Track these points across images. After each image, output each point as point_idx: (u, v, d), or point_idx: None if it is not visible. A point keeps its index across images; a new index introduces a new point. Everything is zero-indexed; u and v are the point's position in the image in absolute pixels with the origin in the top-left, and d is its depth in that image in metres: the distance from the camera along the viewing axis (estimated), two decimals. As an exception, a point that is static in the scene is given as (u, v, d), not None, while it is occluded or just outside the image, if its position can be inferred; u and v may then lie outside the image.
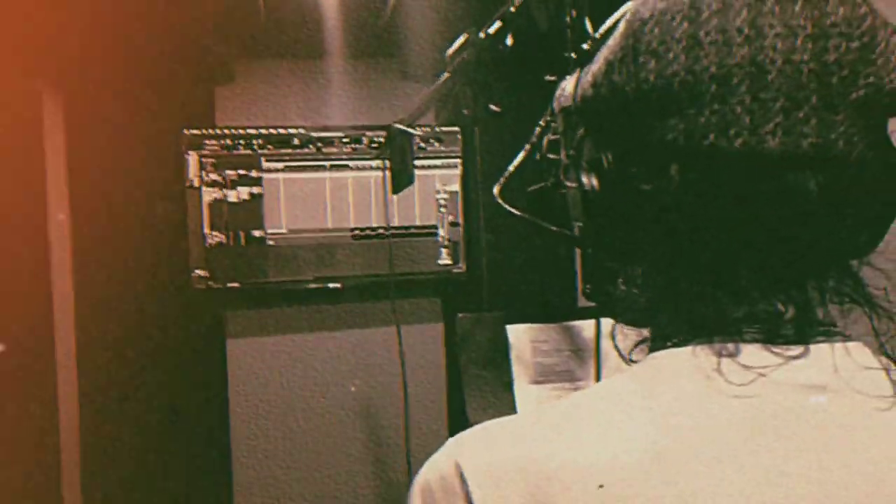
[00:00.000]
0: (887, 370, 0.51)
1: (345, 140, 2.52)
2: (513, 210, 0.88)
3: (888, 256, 0.56)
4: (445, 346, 2.66)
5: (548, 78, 0.96)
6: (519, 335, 1.12)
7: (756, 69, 0.48)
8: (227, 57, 2.46)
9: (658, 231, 0.54)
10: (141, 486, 2.37)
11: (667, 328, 0.55)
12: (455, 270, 2.59)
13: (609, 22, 0.60)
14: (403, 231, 2.56)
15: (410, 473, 2.21)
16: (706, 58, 0.49)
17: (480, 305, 2.47)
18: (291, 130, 2.49)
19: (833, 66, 0.48)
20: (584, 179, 0.58)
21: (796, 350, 0.51)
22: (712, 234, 0.52)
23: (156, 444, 2.38)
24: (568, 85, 0.62)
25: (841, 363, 0.51)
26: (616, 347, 0.63)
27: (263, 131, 2.47)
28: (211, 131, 2.44)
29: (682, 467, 0.47)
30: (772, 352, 0.51)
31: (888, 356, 0.53)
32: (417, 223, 2.56)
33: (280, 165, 2.49)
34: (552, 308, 2.55)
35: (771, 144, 0.48)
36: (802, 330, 0.52)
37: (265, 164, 2.48)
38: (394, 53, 2.53)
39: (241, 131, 2.46)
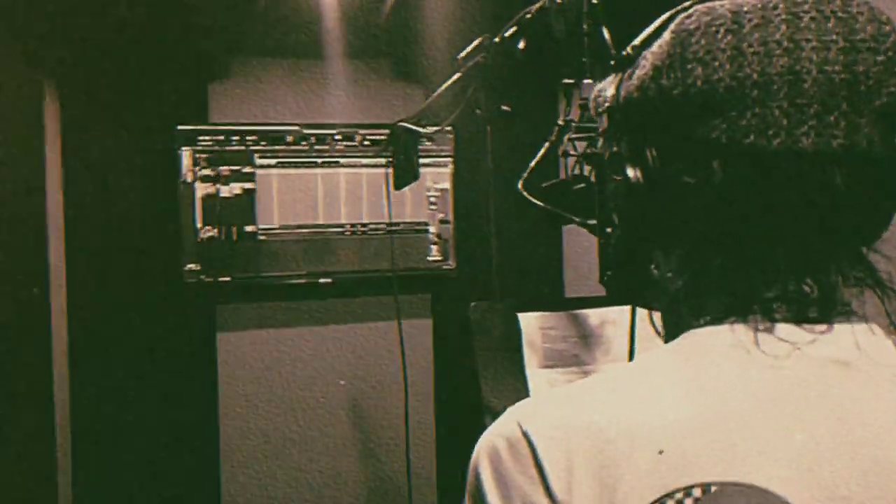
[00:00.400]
0: None
1: (337, 138, 2.58)
2: (538, 203, 0.96)
3: (892, 244, 0.65)
4: (434, 341, 2.73)
5: (565, 81, 1.05)
6: (529, 322, 1.21)
7: (793, 77, 0.57)
8: (222, 53, 2.51)
9: (699, 219, 0.62)
10: (131, 480, 2.41)
11: (703, 309, 0.63)
12: (445, 267, 2.67)
13: (648, 31, 0.68)
14: (395, 228, 2.63)
15: (409, 467, 2.28)
16: (748, 66, 0.57)
17: (471, 299, 2.55)
18: (285, 127, 2.55)
19: (861, 77, 0.56)
20: (630, 173, 0.65)
21: (823, 329, 0.59)
22: (749, 222, 0.60)
23: (146, 436, 2.42)
24: (608, 87, 0.70)
25: (862, 340, 0.59)
26: (653, 325, 0.71)
27: (257, 128, 2.53)
28: (204, 127, 2.49)
29: (728, 432, 0.55)
30: (803, 329, 0.59)
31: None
32: (408, 220, 2.64)
33: (273, 162, 2.54)
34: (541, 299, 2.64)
35: (804, 144, 0.56)
36: (826, 310, 0.60)
37: (258, 161, 2.53)
38: (389, 53, 2.61)
39: (234, 127, 2.51)
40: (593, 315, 1.23)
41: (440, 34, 2.50)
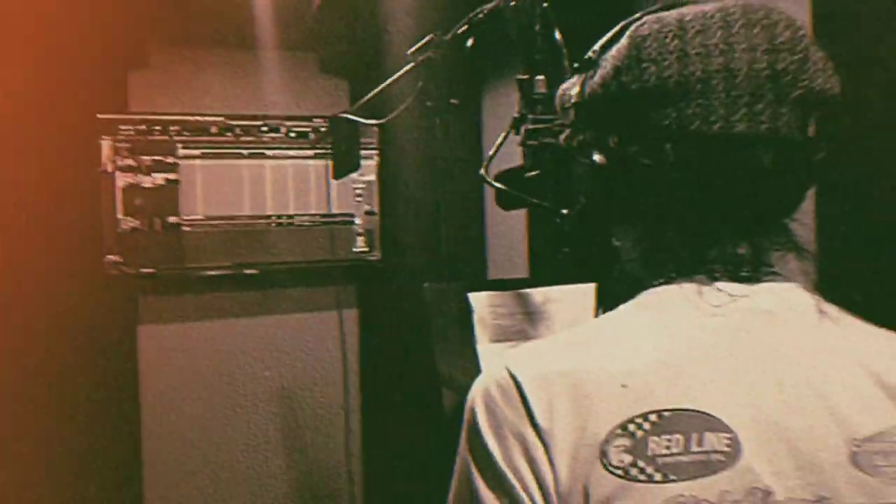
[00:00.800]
0: (815, 299, 0.75)
1: (263, 129, 2.61)
2: (500, 186, 1.07)
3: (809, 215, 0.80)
4: (360, 331, 2.80)
5: (519, 77, 1.16)
6: (479, 301, 1.32)
7: (728, 74, 0.70)
8: (144, 41, 2.49)
9: (654, 195, 0.75)
10: (51, 475, 2.36)
11: (656, 272, 0.76)
12: (370, 258, 2.75)
13: (607, 37, 0.80)
14: (320, 219, 2.69)
15: (349, 455, 2.33)
16: (692, 65, 0.70)
17: (396, 291, 2.64)
18: (210, 118, 2.56)
19: (781, 73, 0.70)
20: (596, 157, 0.77)
21: (753, 284, 0.73)
22: (695, 195, 0.73)
23: (66, 432, 2.38)
24: (573, 86, 0.82)
25: (784, 294, 0.73)
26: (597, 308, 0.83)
27: (181, 118, 2.53)
28: (126, 116, 2.47)
29: (681, 369, 0.67)
30: (738, 285, 0.73)
31: (814, 289, 0.76)
32: (335, 211, 2.70)
33: (197, 152, 2.55)
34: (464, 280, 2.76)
35: (738, 128, 0.69)
36: (756, 270, 0.74)
37: (182, 151, 2.53)
38: (316, 47, 2.66)
39: (157, 117, 2.50)
40: (537, 293, 1.36)
41: (368, 29, 2.57)
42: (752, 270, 0.73)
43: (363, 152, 2.70)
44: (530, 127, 1.09)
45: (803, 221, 0.78)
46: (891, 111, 1.42)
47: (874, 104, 1.42)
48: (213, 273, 2.58)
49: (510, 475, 0.66)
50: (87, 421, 2.40)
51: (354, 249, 2.74)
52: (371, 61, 2.58)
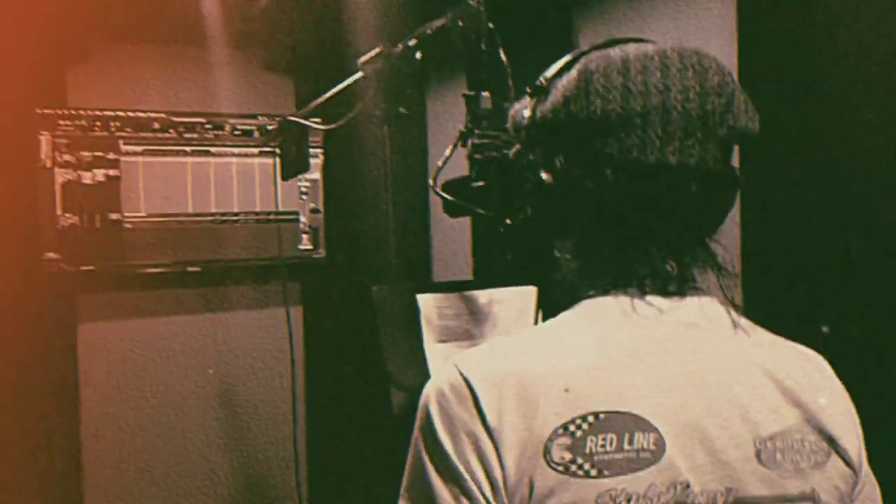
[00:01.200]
0: (729, 312, 0.85)
1: (207, 126, 2.63)
2: (447, 197, 1.15)
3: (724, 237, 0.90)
4: (304, 329, 2.85)
5: (465, 93, 1.24)
6: (426, 302, 1.39)
7: (665, 111, 0.79)
8: (82, 36, 2.48)
9: (593, 214, 0.84)
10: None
11: (593, 284, 0.85)
12: (315, 256, 2.80)
13: (558, 66, 0.88)
14: (264, 217, 2.72)
15: (297, 454, 2.36)
16: (634, 101, 0.79)
17: (341, 289, 2.70)
18: (152, 114, 2.56)
19: (710, 113, 0.80)
20: (543, 176, 0.86)
21: (679, 299, 0.83)
22: (630, 216, 0.82)
23: (4, 431, 2.36)
24: (525, 109, 0.90)
25: (705, 308, 0.84)
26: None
27: (122, 114, 2.52)
28: (65, 112, 2.46)
29: (616, 374, 0.76)
30: (665, 299, 0.82)
31: (730, 303, 0.86)
32: (279, 209, 2.73)
33: (139, 149, 2.55)
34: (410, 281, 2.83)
35: (672, 160, 0.79)
36: (682, 285, 0.83)
37: (123, 147, 2.53)
38: (262, 45, 2.68)
39: (97, 113, 2.50)
40: (482, 295, 1.44)
41: (314, 28, 2.61)
42: (678, 286, 0.83)
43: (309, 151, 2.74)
44: (476, 141, 1.17)
45: (723, 243, 0.89)
46: (807, 144, 1.56)
47: (794, 138, 1.57)
48: (155, 270, 2.59)
49: (462, 469, 0.74)
50: (26, 420, 2.39)
51: (299, 247, 2.78)
52: (317, 60, 2.62)
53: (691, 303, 0.83)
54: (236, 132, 2.66)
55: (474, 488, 0.74)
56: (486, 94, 1.21)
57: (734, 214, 1.71)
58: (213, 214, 2.65)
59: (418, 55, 1.37)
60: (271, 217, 2.72)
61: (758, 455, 0.78)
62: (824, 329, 1.46)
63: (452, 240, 2.71)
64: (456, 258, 2.70)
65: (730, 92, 0.82)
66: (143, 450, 2.60)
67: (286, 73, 2.74)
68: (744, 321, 0.85)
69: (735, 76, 0.84)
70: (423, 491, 0.77)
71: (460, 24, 1.22)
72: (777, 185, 1.64)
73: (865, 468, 0.86)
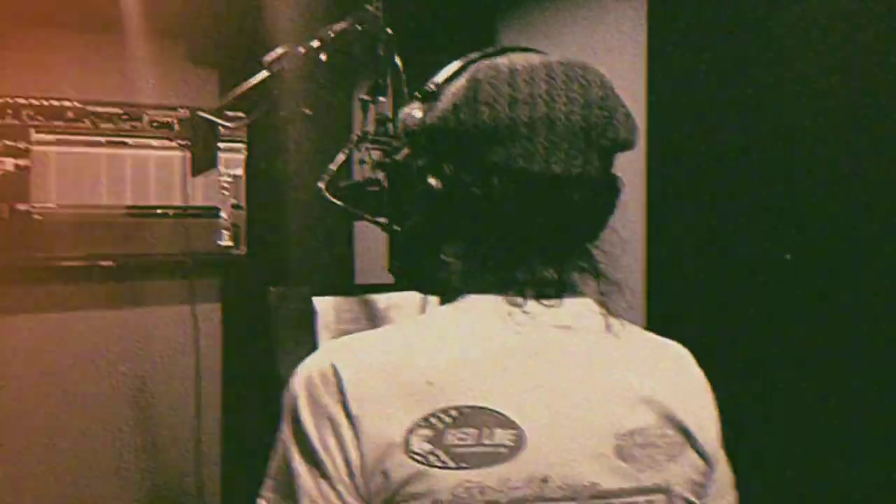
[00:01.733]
0: (604, 315, 0.88)
1: (124, 117, 2.59)
2: (338, 202, 1.16)
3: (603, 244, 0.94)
4: (223, 327, 2.82)
5: (362, 97, 1.25)
6: (324, 306, 1.40)
7: (550, 122, 0.81)
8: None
9: (479, 220, 0.86)
10: None
11: (475, 286, 0.87)
12: (235, 252, 2.78)
13: (447, 73, 0.90)
14: (183, 211, 2.68)
15: (199, 457, 2.34)
16: (520, 111, 0.82)
17: (262, 285, 2.68)
18: (66, 103, 2.51)
19: (593, 125, 0.83)
20: (431, 181, 0.87)
21: (556, 303, 0.86)
22: (514, 224, 0.85)
23: None
24: (415, 113, 0.91)
25: (579, 311, 0.87)
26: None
27: (34, 102, 2.46)
28: (-28, 96, 2.39)
29: (484, 371, 0.79)
30: (541, 304, 0.85)
31: (605, 307, 0.90)
32: (200, 204, 2.70)
33: (52, 138, 2.49)
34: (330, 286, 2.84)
35: (556, 170, 0.82)
36: (560, 290, 0.86)
37: (35, 136, 2.47)
38: (184, 35, 2.64)
39: (7, 100, 2.43)
40: (381, 299, 1.46)
41: (239, 18, 2.58)
42: (555, 290, 0.86)
43: (231, 145, 2.71)
44: (370, 146, 1.18)
45: (603, 248, 0.92)
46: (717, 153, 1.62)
47: (701, 148, 1.63)
48: (66, 264, 2.54)
49: (322, 453, 0.77)
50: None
51: (219, 243, 2.76)
52: (241, 51, 2.59)
53: (568, 306, 0.86)
54: (154, 124, 2.62)
55: (333, 472, 0.76)
56: (382, 98, 1.22)
57: (640, 225, 1.77)
58: (128, 207, 2.60)
59: (323, 57, 1.38)
60: (190, 212, 2.69)
61: (617, 450, 0.82)
62: (787, 256, 1.50)
63: (377, 241, 2.72)
64: (380, 260, 2.71)
65: (612, 105, 0.86)
66: (50, 445, 2.54)
67: (210, 66, 2.71)
68: (616, 322, 0.89)
69: (615, 89, 0.87)
70: (286, 473, 0.79)
71: (359, 28, 1.23)
72: (683, 194, 1.70)
73: (722, 459, 0.92)
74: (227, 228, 2.76)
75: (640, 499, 0.82)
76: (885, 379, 1.31)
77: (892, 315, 1.30)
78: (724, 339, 1.56)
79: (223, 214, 2.75)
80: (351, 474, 0.76)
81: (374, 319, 1.44)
